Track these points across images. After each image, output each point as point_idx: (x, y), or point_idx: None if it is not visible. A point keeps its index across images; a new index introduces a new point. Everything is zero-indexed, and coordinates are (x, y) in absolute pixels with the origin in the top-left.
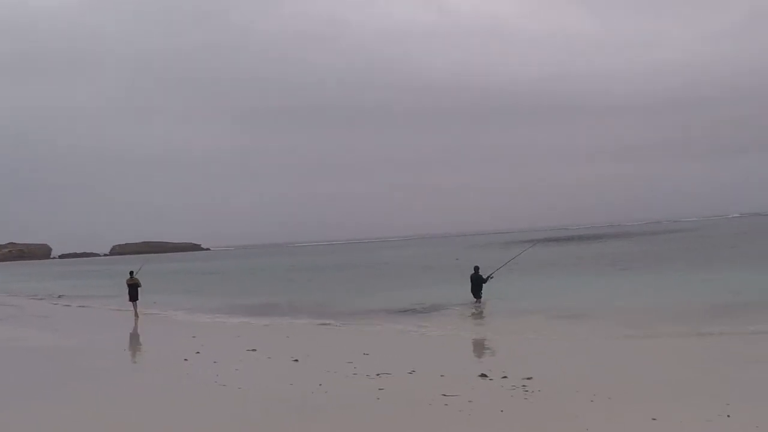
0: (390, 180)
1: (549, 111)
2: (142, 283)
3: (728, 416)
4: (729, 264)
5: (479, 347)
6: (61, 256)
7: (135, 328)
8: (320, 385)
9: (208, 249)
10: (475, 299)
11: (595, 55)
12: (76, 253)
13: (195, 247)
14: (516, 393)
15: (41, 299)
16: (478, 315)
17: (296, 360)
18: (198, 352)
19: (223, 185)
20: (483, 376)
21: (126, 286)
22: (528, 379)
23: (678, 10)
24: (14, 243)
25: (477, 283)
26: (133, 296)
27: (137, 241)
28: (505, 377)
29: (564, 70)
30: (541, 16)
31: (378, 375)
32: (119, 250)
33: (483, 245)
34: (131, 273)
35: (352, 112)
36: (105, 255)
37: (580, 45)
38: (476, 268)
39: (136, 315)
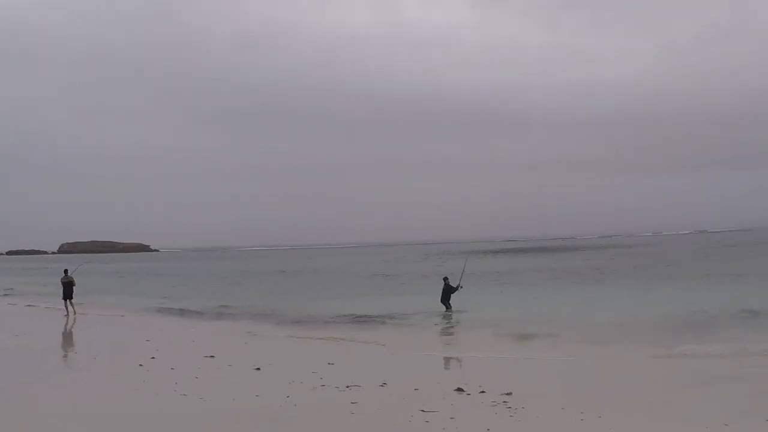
0: (327, 186)
1: (492, 122)
2: (77, 282)
3: None
4: (684, 279)
5: (448, 359)
6: (8, 253)
7: (68, 326)
8: (288, 397)
9: (157, 250)
10: (444, 309)
11: (541, 69)
12: (23, 250)
13: (144, 248)
14: (499, 410)
15: None
16: (444, 325)
17: (258, 369)
18: (153, 357)
19: (173, 186)
20: (459, 390)
21: (60, 284)
22: (507, 394)
23: (626, 28)
24: None
25: (447, 293)
26: (68, 294)
27: (86, 240)
28: (483, 392)
29: (508, 83)
30: (487, 29)
31: (348, 387)
32: (68, 249)
33: (422, 255)
34: (65, 271)
35: (301, 117)
36: (53, 253)
37: (524, 59)
38: (446, 279)
39: (68, 313)
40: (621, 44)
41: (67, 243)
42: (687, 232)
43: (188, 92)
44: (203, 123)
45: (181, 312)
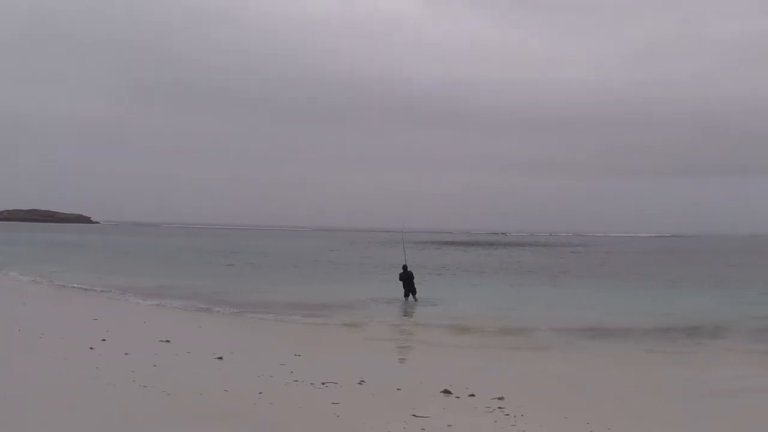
0: (266, 171)
1: (442, 116)
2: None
3: None
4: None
5: (422, 355)
6: None
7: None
8: (260, 393)
9: (97, 222)
10: (406, 298)
11: (496, 66)
12: None
13: (84, 219)
14: (498, 417)
15: None
16: (411, 317)
17: (220, 358)
18: (104, 340)
19: (117, 158)
20: (447, 392)
21: None
22: (500, 399)
23: (581, 32)
24: None
25: (409, 280)
26: None
27: (26, 209)
28: (472, 395)
29: (462, 76)
30: (440, 22)
31: (324, 384)
32: (7, 216)
33: (353, 241)
34: None
35: (247, 98)
36: None
37: (480, 54)
38: (405, 267)
39: None
40: (575, 48)
41: (7, 210)
42: (631, 235)
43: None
44: (148, 95)
45: (128, 289)
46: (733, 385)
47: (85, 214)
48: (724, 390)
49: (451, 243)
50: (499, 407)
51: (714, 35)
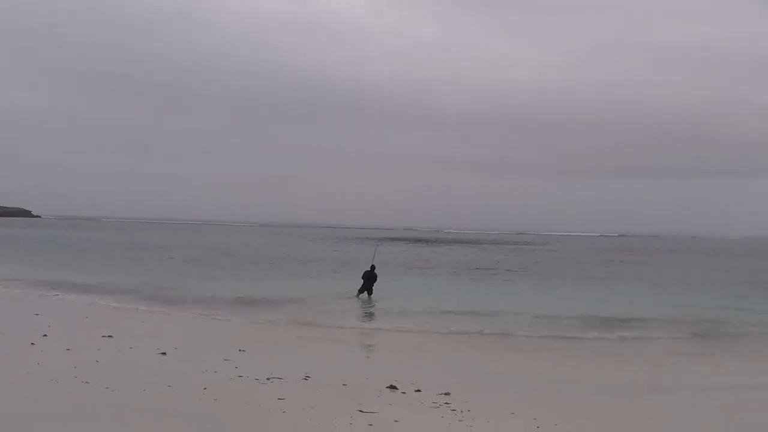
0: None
1: (391, 114)
2: None
3: None
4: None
5: (368, 351)
6: None
7: None
8: (205, 389)
9: (38, 216)
10: (360, 294)
11: (440, 65)
12: None
13: (25, 213)
14: (445, 413)
15: None
16: (361, 312)
17: (164, 353)
18: (45, 335)
19: (58, 151)
20: (392, 387)
21: None
22: (446, 394)
23: (527, 33)
24: None
25: (371, 279)
26: None
27: None
28: (418, 390)
29: (408, 75)
30: (390, 22)
31: (269, 379)
32: None
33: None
34: None
35: (197, 94)
36: None
37: (425, 53)
38: (373, 267)
39: None
40: (524, 49)
41: None
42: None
43: (76, 54)
44: (94, 86)
45: (69, 285)
46: (680, 382)
47: (26, 208)
48: (668, 387)
49: (394, 239)
50: (446, 402)
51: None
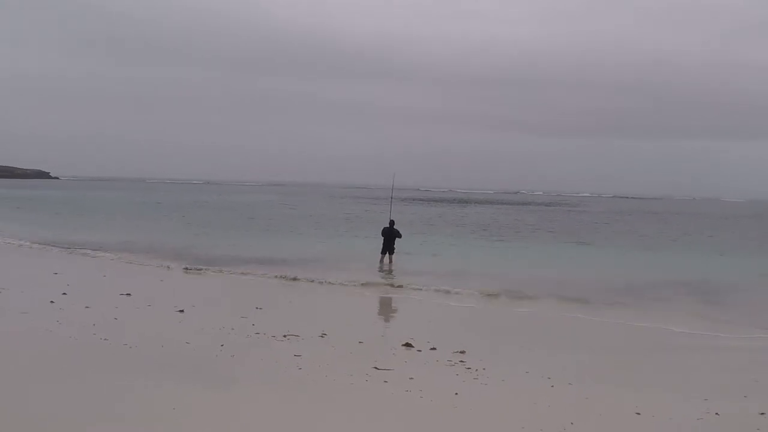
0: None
1: (385, 70)
2: None
3: (717, 414)
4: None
5: (386, 309)
6: None
7: None
8: (222, 346)
9: (57, 178)
10: (382, 255)
11: (423, 22)
12: None
13: (43, 175)
14: (460, 370)
15: None
16: (376, 271)
17: (181, 311)
18: (65, 294)
19: (76, 113)
20: (408, 345)
21: None
22: (461, 353)
23: None
24: None
25: (391, 237)
26: None
27: None
28: (434, 348)
29: (395, 31)
30: None
31: (285, 337)
32: None
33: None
34: None
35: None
36: None
37: (412, 8)
38: (392, 222)
39: None
40: (507, 5)
41: None
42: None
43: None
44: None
45: (87, 244)
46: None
47: (44, 170)
48: (681, 346)
49: (405, 199)
50: (461, 361)
51: None
